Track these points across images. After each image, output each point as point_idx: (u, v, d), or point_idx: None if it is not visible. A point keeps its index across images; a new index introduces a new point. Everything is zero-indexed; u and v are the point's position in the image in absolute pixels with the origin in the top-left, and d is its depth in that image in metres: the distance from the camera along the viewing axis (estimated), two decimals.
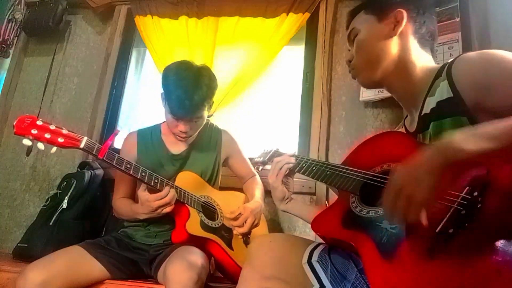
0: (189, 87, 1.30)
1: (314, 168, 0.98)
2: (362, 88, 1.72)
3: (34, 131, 1.05)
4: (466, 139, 0.58)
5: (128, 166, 1.21)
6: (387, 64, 0.88)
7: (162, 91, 1.37)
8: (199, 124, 1.40)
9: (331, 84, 1.84)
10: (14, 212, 2.01)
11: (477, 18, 1.42)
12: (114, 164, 1.18)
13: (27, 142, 1.05)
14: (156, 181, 1.25)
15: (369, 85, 0.98)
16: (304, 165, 1.02)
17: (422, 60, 0.88)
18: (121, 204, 1.40)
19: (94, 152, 1.14)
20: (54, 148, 1.10)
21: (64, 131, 1.11)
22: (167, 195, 1.21)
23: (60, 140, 1.09)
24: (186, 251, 1.18)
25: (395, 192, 0.60)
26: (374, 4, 0.93)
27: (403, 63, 0.87)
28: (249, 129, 2.00)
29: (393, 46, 0.88)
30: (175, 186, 1.30)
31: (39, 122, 1.07)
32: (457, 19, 1.47)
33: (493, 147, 0.56)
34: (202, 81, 1.34)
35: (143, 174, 1.23)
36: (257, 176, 1.58)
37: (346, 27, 0.99)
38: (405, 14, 0.87)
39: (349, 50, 0.97)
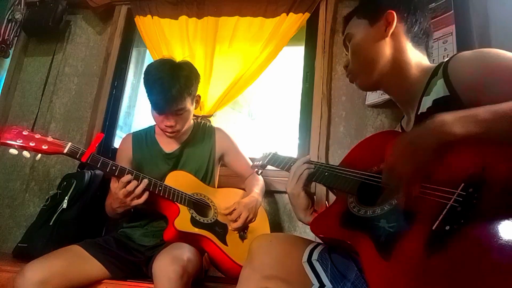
0: (166, 80, 1.31)
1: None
2: (367, 92, 1.72)
3: (19, 141, 1.12)
4: (456, 121, 0.60)
5: (114, 168, 1.22)
6: (382, 66, 0.89)
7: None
8: (184, 117, 1.40)
9: (331, 84, 1.84)
10: (14, 212, 2.01)
11: (477, 18, 1.41)
12: (98, 167, 1.20)
13: (13, 151, 1.12)
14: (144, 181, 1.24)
15: (367, 88, 0.99)
16: None
17: (417, 59, 0.89)
18: (106, 203, 1.40)
19: (77, 157, 1.18)
20: (39, 155, 1.16)
21: (49, 139, 1.16)
22: (129, 182, 1.20)
23: (44, 147, 1.14)
24: (173, 247, 1.19)
25: (389, 171, 0.66)
26: (366, 8, 0.94)
27: (398, 63, 0.88)
28: (249, 129, 2.00)
29: (387, 48, 0.88)
30: (165, 185, 1.29)
31: (25, 132, 1.14)
32: (451, 12, 1.44)
33: (480, 132, 0.58)
34: (180, 73, 1.35)
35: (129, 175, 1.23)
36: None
37: (342, 32, 1.00)
38: (395, 14, 0.88)
39: (346, 55, 0.97)
